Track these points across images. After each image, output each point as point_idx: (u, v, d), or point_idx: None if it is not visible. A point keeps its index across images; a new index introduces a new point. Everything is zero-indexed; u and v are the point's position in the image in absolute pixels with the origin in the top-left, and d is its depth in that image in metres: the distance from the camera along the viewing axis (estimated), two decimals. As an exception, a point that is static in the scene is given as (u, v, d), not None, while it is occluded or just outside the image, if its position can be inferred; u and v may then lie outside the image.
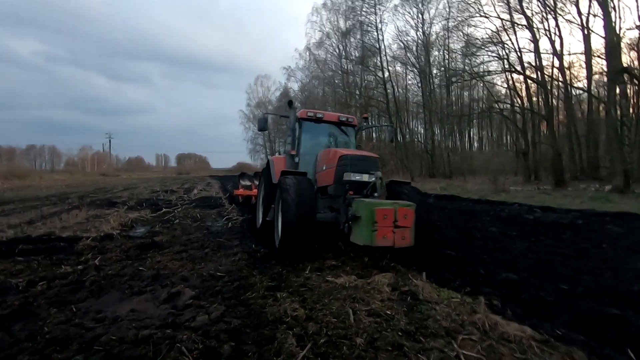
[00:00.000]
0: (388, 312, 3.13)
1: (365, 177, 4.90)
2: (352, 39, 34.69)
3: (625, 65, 13.97)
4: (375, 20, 31.65)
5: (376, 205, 3.96)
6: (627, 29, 14.23)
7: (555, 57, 21.37)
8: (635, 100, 17.51)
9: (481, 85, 30.18)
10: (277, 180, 5.70)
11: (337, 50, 36.45)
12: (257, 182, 10.62)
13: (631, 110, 17.19)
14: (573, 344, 2.63)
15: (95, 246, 5.64)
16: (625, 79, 13.40)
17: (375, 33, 31.87)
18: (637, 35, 15.68)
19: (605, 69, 14.68)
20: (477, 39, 22.23)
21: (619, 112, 13.62)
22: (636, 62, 15.79)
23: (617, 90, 13.78)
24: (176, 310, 3.13)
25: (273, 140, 63.44)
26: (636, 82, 13.47)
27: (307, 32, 42.71)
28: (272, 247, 5.38)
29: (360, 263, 4.74)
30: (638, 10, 15.38)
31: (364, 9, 31.90)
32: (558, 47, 21.17)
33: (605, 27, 13.42)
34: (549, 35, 21.05)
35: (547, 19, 20.51)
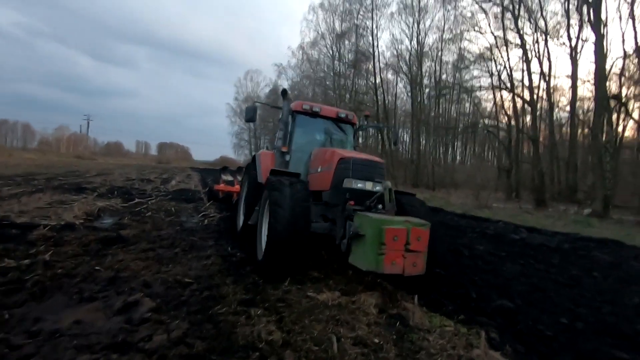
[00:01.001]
0: (376, 341, 2.77)
1: (368, 186, 4.19)
2: (346, 42, 34.53)
3: (609, 92, 14.26)
4: (371, 25, 31.64)
5: (385, 223, 3.24)
6: (617, 58, 14.54)
7: (542, 79, 21.89)
8: (616, 128, 18.04)
9: (468, 100, 30.60)
10: (263, 179, 5.13)
11: (331, 52, 36.20)
12: (240, 178, 9.91)
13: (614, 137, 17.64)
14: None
15: (52, 237, 5.04)
16: (612, 106, 13.66)
17: (370, 38, 31.86)
18: (622, 65, 16.10)
19: (593, 95, 14.98)
20: (471, 53, 22.37)
21: (604, 138, 13.86)
22: (620, 90, 16.19)
23: (605, 117, 14.03)
24: (130, 326, 2.65)
25: (259, 137, 62.62)
26: (625, 109, 13.74)
27: (302, 30, 42.30)
28: (250, 254, 4.79)
29: (345, 277, 4.36)
30: (623, 40, 15.79)
31: (360, 13, 31.83)
32: (546, 69, 21.73)
33: (596, 52, 13.67)
34: (538, 57, 21.52)
35: (537, 42, 20.91)
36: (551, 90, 22.22)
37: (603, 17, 14.92)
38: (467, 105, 33.00)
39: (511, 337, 3.15)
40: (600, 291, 4.58)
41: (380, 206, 3.90)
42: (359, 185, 4.18)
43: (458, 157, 39.49)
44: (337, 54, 35.47)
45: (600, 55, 13.51)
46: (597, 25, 13.71)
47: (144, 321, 2.74)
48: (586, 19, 14.91)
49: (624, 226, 11.24)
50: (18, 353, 2.14)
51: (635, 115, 17.73)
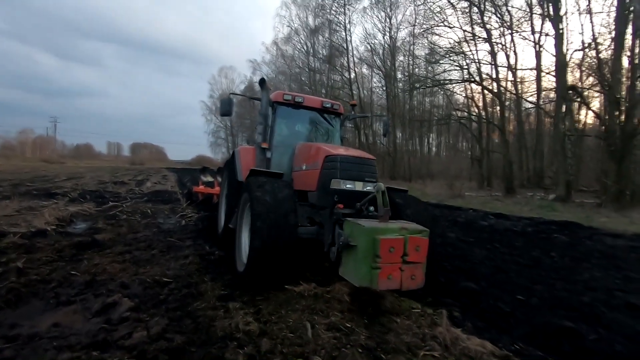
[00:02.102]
0: (348, 325, 2.95)
1: (358, 186, 3.81)
2: (320, 37, 34.60)
3: (570, 83, 15.11)
4: (344, 20, 31.81)
5: (380, 232, 2.90)
6: (575, 50, 15.41)
7: (509, 71, 22.79)
8: (578, 116, 19.10)
9: (441, 92, 31.38)
10: (244, 178, 4.74)
11: (305, 47, 36.19)
12: (220, 179, 9.22)
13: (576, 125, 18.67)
14: (530, 359, 2.61)
15: (23, 244, 4.94)
16: (572, 96, 14.47)
17: (344, 33, 32.05)
18: (581, 56, 17.03)
19: (555, 86, 15.80)
20: (441, 47, 22.96)
21: (565, 126, 14.66)
22: (581, 81, 17.17)
23: (564, 106, 14.84)
24: (109, 325, 2.72)
25: (236, 134, 61.89)
26: (581, 99, 14.58)
27: (275, 26, 41.95)
28: (230, 252, 4.60)
29: (321, 269, 4.53)
30: (582, 32, 16.67)
31: (333, 8, 31.93)
32: (513, 62, 22.65)
33: (556, 46, 14.43)
34: (505, 50, 22.37)
35: (504, 35, 21.71)
36: (518, 82, 23.27)
37: (563, 11, 15.78)
38: (441, 97, 33.87)
39: (473, 315, 3.42)
40: (556, 269, 4.98)
41: (372, 208, 3.61)
42: (348, 186, 3.79)
43: (434, 149, 40.52)
44: (311, 49, 35.52)
45: (560, 48, 14.29)
46: (557, 19, 14.45)
47: (123, 320, 2.82)
48: (546, 14, 15.65)
49: (584, 209, 12.01)
50: (-2, 356, 2.19)
51: (597, 104, 18.94)
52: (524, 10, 19.68)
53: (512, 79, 22.48)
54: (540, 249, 6.19)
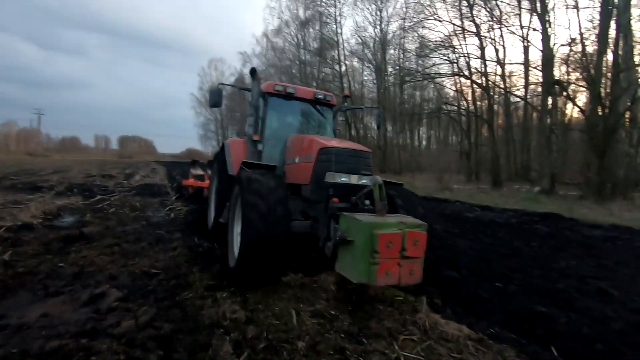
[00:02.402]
0: (332, 313, 3.06)
1: (354, 179, 3.73)
2: (310, 30, 34.37)
3: (557, 77, 15.39)
4: (335, 12, 31.63)
5: (377, 227, 2.83)
6: (561, 45, 15.69)
7: (498, 65, 23.06)
8: (564, 110, 19.52)
9: (432, 86, 31.58)
10: (234, 171, 4.75)
11: (296, 40, 35.92)
12: (210, 173, 9.02)
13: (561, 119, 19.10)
14: (505, 342, 2.75)
15: (9, 237, 4.92)
16: (557, 90, 14.76)
17: (334, 26, 31.89)
18: (567, 51, 17.31)
19: (541, 80, 16.08)
20: (430, 41, 23.08)
21: (549, 120, 14.99)
22: (568, 76, 17.51)
23: (550, 100, 15.14)
24: (98, 315, 2.77)
25: (226, 127, 61.36)
26: (565, 93, 14.89)
27: (265, 17, 41.47)
28: (220, 247, 4.64)
29: (308, 259, 4.62)
30: (569, 27, 16.89)
31: (323, 1, 31.68)
32: (501, 56, 22.91)
33: (542, 40, 14.67)
34: (494, 44, 22.60)
35: (493, 29, 21.91)
36: (507, 76, 23.57)
37: (551, 5, 16.00)
38: (431, 91, 34.07)
39: (453, 302, 3.57)
40: (534, 258, 5.18)
41: (367, 202, 3.56)
42: (343, 179, 3.70)
43: (424, 143, 40.88)
44: (302, 42, 35.26)
45: (546, 43, 14.54)
46: (543, 14, 14.66)
47: (112, 310, 2.87)
48: (533, 9, 15.84)
49: (567, 201, 12.35)
50: (-15, 344, 2.23)
51: (583, 98, 19.33)
52: (513, 5, 19.88)
53: (501, 72, 22.85)
54: (521, 239, 6.40)
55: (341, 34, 32.49)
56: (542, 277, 4.29)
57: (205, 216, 7.24)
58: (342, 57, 32.21)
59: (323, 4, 31.77)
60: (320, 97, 5.37)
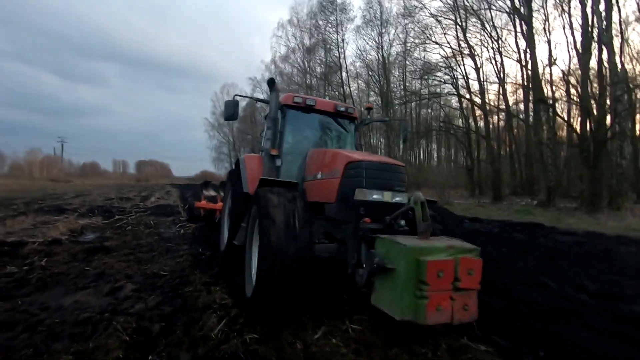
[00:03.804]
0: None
1: (387, 197, 3.33)
2: (316, 55, 36.06)
3: (550, 95, 16.05)
4: (337, 39, 33.27)
5: (424, 252, 2.45)
6: (546, 65, 16.43)
7: (499, 83, 23.81)
8: (557, 125, 19.97)
9: (436, 105, 32.46)
10: (250, 189, 4.50)
11: (302, 66, 37.62)
12: (223, 194, 8.52)
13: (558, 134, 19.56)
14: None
15: (42, 250, 5.77)
16: (542, 107, 15.36)
17: (337, 52, 33.48)
18: (556, 70, 17.97)
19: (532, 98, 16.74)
20: (430, 63, 24.10)
21: (543, 135, 15.53)
22: (553, 93, 18.10)
23: (544, 116, 15.72)
24: (116, 301, 3.55)
25: (238, 150, 63.24)
26: (552, 110, 15.47)
27: (272, 46, 43.56)
28: (232, 272, 4.40)
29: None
30: (550, 50, 17.66)
31: (327, 28, 33.45)
32: (501, 75, 23.69)
33: (531, 60, 15.40)
34: (493, 64, 23.46)
35: (489, 50, 22.81)
36: (508, 94, 24.27)
37: (540, 27, 16.83)
38: (434, 110, 34.92)
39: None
40: (498, 260, 5.72)
41: (403, 222, 3.18)
42: (375, 196, 3.29)
43: (435, 159, 41.46)
44: (308, 67, 36.95)
45: (534, 62, 15.29)
46: (531, 37, 15.49)
47: (127, 298, 3.65)
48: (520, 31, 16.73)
49: (560, 212, 12.70)
50: (37, 317, 3.02)
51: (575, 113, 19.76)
52: (508, 29, 20.82)
53: (501, 91, 23.56)
54: (495, 245, 6.94)
55: (344, 58, 34.03)
56: (496, 274, 4.85)
57: (211, 230, 8.05)
58: (344, 81, 33.58)
59: (327, 31, 33.54)
60: (341, 109, 5.16)
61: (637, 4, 14.20)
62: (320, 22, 33.79)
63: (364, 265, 2.87)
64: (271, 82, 4.80)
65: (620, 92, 12.48)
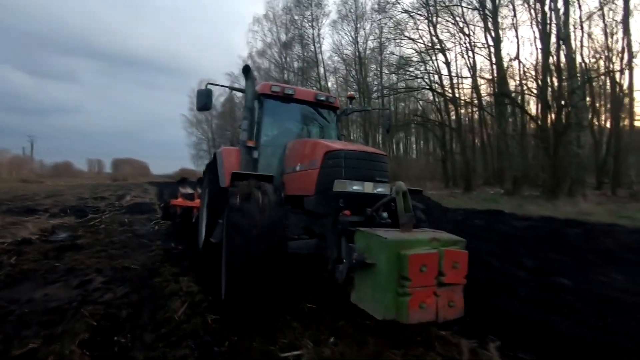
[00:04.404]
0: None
1: (368, 188, 3.18)
2: (293, 50, 36.09)
3: (512, 88, 16.87)
4: (314, 34, 33.41)
5: (406, 245, 2.30)
6: (510, 59, 17.24)
7: (472, 77, 24.61)
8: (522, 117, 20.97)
9: (412, 98, 33.13)
10: (227, 183, 4.03)
11: (280, 61, 37.57)
12: (200, 191, 8.26)
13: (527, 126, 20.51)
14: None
15: (12, 250, 5.77)
16: (505, 100, 16.15)
17: (314, 47, 33.63)
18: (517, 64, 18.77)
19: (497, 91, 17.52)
20: (403, 58, 24.61)
21: (508, 127, 16.33)
22: (522, 86, 19.01)
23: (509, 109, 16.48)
24: (86, 292, 3.72)
25: (217, 146, 62.47)
26: (514, 103, 16.27)
27: (248, 41, 43.17)
28: (212, 270, 4.03)
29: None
30: (518, 46, 18.46)
31: (303, 23, 33.53)
32: (473, 69, 24.49)
33: (495, 55, 16.09)
34: (466, 58, 24.21)
35: (461, 44, 23.53)
36: (480, 87, 25.12)
37: (508, 24, 17.49)
38: (407, 103, 35.63)
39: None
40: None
41: (385, 214, 3.01)
42: (355, 187, 3.14)
43: (414, 151, 42.44)
44: (285, 62, 36.94)
45: (498, 57, 16.00)
46: (496, 32, 16.15)
47: (96, 289, 3.82)
48: (486, 27, 17.43)
49: (524, 200, 13.45)
50: (6, 309, 3.18)
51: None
52: (480, 26, 21.48)
53: (472, 84, 24.34)
54: (455, 232, 7.37)
55: (320, 52, 34.23)
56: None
57: (186, 226, 8.17)
58: (321, 75, 33.84)
59: (303, 26, 33.60)
60: (322, 98, 4.96)
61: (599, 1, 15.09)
62: (296, 17, 33.88)
63: (344, 261, 2.71)
64: (246, 70, 4.53)
65: (577, 85, 13.26)
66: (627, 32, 14.56)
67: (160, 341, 2.72)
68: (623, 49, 15.55)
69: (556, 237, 6.50)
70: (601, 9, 15.96)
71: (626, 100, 16.75)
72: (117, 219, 10.06)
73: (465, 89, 24.80)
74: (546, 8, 13.78)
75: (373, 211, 2.95)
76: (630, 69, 14.32)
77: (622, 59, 14.82)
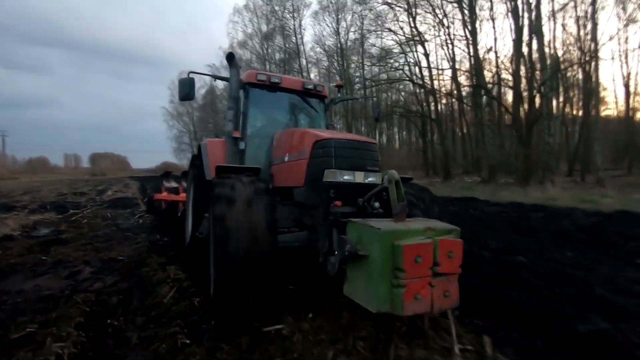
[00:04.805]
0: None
1: (359, 177, 3.14)
2: (275, 41, 35.83)
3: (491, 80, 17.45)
4: (295, 25, 33.24)
5: (400, 236, 2.26)
6: (486, 51, 17.83)
7: (451, 69, 25.13)
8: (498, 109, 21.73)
9: (394, 90, 33.54)
10: (213, 176, 3.96)
11: (262, 52, 37.22)
12: (186, 183, 8.09)
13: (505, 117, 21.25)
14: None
15: (-6, 246, 5.85)
16: (479, 91, 16.74)
17: (295, 38, 33.50)
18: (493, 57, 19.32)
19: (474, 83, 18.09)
20: (384, 49, 24.89)
21: (485, 117, 16.93)
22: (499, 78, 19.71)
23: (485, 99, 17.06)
24: (75, 282, 3.89)
25: (199, 139, 61.57)
26: (490, 94, 16.89)
27: (229, 32, 42.45)
28: (201, 266, 3.91)
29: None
30: (495, 38, 18.89)
31: (284, 14, 33.27)
32: (453, 61, 25.00)
33: (473, 47, 16.62)
34: (446, 50, 24.66)
35: (441, 35, 23.94)
36: (459, 78, 25.71)
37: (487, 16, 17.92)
38: (389, 94, 36.07)
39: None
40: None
41: (377, 204, 2.96)
42: (346, 177, 3.09)
43: (397, 141, 43.11)
44: (266, 54, 36.65)
45: (474, 50, 16.49)
46: (473, 25, 16.59)
47: (86, 279, 3.99)
48: (463, 20, 17.87)
49: (498, 187, 14.09)
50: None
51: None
52: (459, 18, 21.91)
53: (452, 75, 24.90)
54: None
55: (302, 44, 34.12)
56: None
57: (170, 219, 8.29)
58: (303, 67, 33.78)
59: (284, 17, 33.35)
60: (310, 87, 4.82)
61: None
62: (277, 8, 33.55)
63: (336, 253, 2.65)
64: (230, 57, 4.33)
65: (547, 76, 13.87)
66: (594, 24, 15.23)
67: (151, 322, 2.95)
68: (591, 40, 16.25)
69: (521, 220, 6.98)
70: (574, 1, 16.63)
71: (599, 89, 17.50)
72: (99, 213, 10.04)
73: (445, 80, 25.36)
74: (519, 2, 14.28)
75: (365, 201, 2.89)
76: (596, 60, 15.02)
77: (589, 50, 15.53)
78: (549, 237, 5.69)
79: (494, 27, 21.51)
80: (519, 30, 14.14)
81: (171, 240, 6.08)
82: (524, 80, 15.15)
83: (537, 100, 13.65)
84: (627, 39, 21.42)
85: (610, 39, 16.32)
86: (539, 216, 7.27)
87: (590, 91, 17.41)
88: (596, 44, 14.96)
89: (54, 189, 21.99)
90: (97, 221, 8.66)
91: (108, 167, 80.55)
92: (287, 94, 4.85)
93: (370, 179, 3.15)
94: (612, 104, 25.28)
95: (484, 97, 16.79)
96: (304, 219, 3.42)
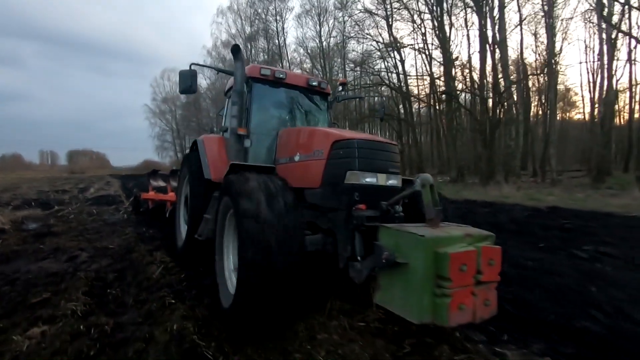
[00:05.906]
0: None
1: (382, 180, 3.00)
2: (259, 42, 36.42)
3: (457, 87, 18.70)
4: (278, 27, 33.93)
5: (444, 244, 2.17)
6: (454, 59, 18.98)
7: (429, 75, 26.36)
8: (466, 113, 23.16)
9: (374, 93, 34.61)
10: (213, 176, 4.09)
11: (245, 53, 37.63)
12: (174, 184, 7.75)
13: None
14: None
15: (-11, 238, 6.35)
16: (448, 98, 17.98)
17: (278, 40, 34.20)
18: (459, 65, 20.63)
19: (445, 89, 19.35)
20: (363, 54, 25.92)
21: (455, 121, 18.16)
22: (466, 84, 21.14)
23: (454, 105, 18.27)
24: (75, 264, 4.57)
25: (182, 137, 61.35)
26: (456, 100, 18.17)
27: (212, 32, 42.70)
28: (200, 271, 4.18)
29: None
30: (469, 46, 20.34)
31: (267, 17, 33.93)
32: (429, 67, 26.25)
33: (443, 55, 17.76)
34: (422, 57, 25.86)
35: (418, 42, 25.13)
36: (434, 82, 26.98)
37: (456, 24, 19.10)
38: (370, 95, 37.18)
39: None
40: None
41: (399, 208, 2.89)
42: (369, 179, 2.94)
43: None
44: (250, 55, 37.13)
45: (445, 58, 17.64)
46: (443, 34, 17.75)
47: (84, 262, 4.67)
48: (433, 30, 19.08)
49: (463, 186, 15.23)
50: (11, 277, 3.99)
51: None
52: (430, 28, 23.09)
53: (429, 80, 26.16)
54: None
55: (285, 46, 34.83)
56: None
57: (155, 215, 8.82)
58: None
59: (267, 19, 34.00)
60: (314, 84, 4.74)
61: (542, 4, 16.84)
62: (260, 11, 34.13)
63: (359, 258, 2.59)
64: (236, 49, 4.16)
65: (509, 84, 15.11)
66: (551, 36, 16.57)
67: (143, 291, 3.68)
68: (550, 49, 17.66)
69: (467, 214, 7.95)
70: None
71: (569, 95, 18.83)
72: (85, 210, 10.44)
73: (421, 86, 26.64)
74: (484, 13, 15.44)
75: (389, 205, 2.76)
76: (550, 67, 16.34)
77: (548, 59, 16.88)
78: (484, 227, 6.60)
79: (467, 36, 22.79)
80: (483, 39, 15.32)
81: (156, 233, 6.74)
82: (489, 87, 16.41)
83: (500, 106, 14.91)
84: (593, 47, 23.27)
85: (558, 54, 17.62)
86: (484, 211, 8.26)
87: (555, 97, 18.84)
88: (553, 54, 16.32)
89: (33, 187, 21.90)
90: (83, 216, 9.12)
91: (87, 165, 78.83)
92: (290, 90, 4.73)
93: (391, 182, 3.05)
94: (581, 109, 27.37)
95: (453, 102, 17.98)
96: (319, 221, 3.22)
